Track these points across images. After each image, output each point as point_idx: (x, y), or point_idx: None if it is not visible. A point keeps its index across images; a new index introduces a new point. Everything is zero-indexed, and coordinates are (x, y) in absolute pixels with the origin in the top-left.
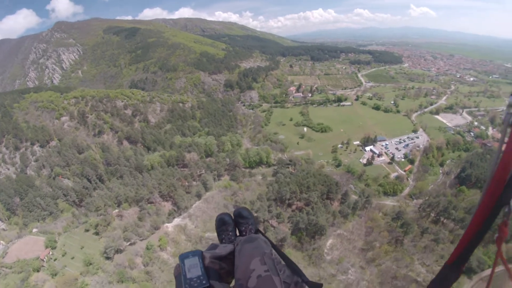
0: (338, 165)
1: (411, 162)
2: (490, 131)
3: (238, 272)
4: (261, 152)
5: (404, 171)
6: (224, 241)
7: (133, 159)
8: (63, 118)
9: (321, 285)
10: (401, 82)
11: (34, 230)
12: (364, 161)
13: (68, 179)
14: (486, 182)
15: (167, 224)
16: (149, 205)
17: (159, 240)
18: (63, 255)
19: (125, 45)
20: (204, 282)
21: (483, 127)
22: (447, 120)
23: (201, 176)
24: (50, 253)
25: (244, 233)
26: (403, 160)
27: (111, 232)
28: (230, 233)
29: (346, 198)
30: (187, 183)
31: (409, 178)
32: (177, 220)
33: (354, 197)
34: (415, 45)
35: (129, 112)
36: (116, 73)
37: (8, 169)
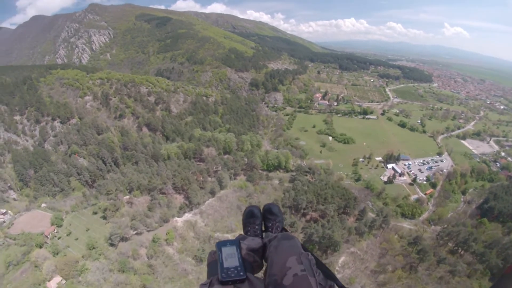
0: (358, 179)
1: (433, 186)
2: None
3: (273, 267)
4: (281, 156)
5: (425, 194)
6: (249, 233)
7: (151, 147)
8: (87, 98)
9: None
10: (429, 102)
11: (43, 205)
12: (385, 178)
13: (84, 158)
14: None
15: (176, 218)
16: (161, 195)
17: (166, 234)
18: (67, 235)
19: (155, 33)
20: (241, 273)
21: (510, 159)
22: (474, 146)
23: (217, 172)
24: (55, 230)
25: (270, 229)
26: (425, 182)
27: (119, 218)
28: (257, 227)
29: (363, 215)
30: (202, 178)
31: (429, 202)
32: (187, 216)
33: (371, 215)
34: (446, 65)
35: (152, 99)
36: (143, 60)
37: (27, 141)
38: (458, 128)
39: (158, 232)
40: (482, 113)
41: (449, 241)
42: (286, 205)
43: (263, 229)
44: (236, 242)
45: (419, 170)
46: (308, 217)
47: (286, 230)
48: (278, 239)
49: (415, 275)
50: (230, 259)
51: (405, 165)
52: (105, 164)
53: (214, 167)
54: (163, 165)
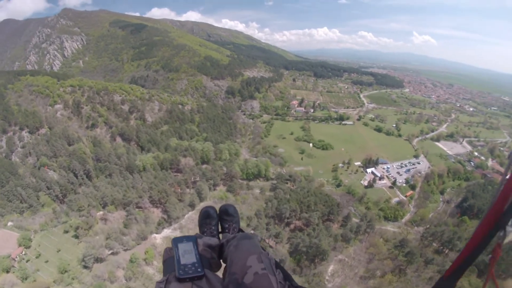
0: (339, 185)
1: (413, 187)
2: (490, 162)
3: (233, 266)
4: (260, 165)
5: (405, 196)
6: (205, 234)
7: (125, 158)
8: (57, 106)
9: None
10: (403, 106)
11: (9, 223)
12: (365, 183)
13: (54, 171)
14: (487, 207)
15: (155, 235)
16: (137, 210)
17: (145, 253)
18: (37, 257)
19: (130, 40)
20: (199, 269)
21: (483, 158)
22: (448, 148)
23: (196, 183)
24: (23, 252)
25: (227, 230)
26: (404, 185)
27: (93, 237)
28: (213, 228)
29: (347, 221)
30: (180, 190)
31: (410, 204)
32: (166, 232)
33: (355, 220)
34: (416, 71)
35: (126, 108)
36: (117, 68)
37: None
38: (432, 131)
39: (136, 251)
40: (453, 116)
41: (433, 241)
42: (269, 215)
43: (220, 230)
44: (193, 238)
45: (398, 173)
46: (292, 226)
47: (242, 231)
48: (238, 239)
49: (404, 278)
50: (187, 255)
51: (384, 168)
52: (77, 177)
53: (192, 178)
54: (138, 177)
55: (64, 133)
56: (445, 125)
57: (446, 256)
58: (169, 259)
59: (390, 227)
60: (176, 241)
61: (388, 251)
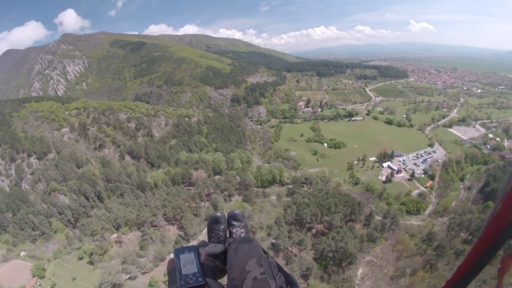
0: (356, 183)
1: (432, 178)
2: (506, 143)
3: (233, 271)
4: (274, 170)
5: (425, 187)
6: (213, 239)
7: (135, 176)
8: (63, 130)
9: None
10: (410, 96)
11: (22, 253)
12: (383, 178)
13: (65, 195)
14: (491, 212)
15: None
16: (152, 229)
17: (164, 275)
18: (52, 287)
19: (131, 58)
20: (200, 279)
21: (498, 139)
22: (461, 133)
23: (210, 196)
24: (38, 283)
25: (234, 235)
26: (423, 176)
27: (108, 262)
28: (221, 233)
29: (370, 220)
30: (195, 204)
31: (431, 195)
32: None
33: (377, 218)
34: (417, 59)
35: (132, 125)
36: (120, 87)
37: (3, 181)
38: (443, 117)
39: (154, 273)
40: (462, 100)
41: (460, 231)
42: (289, 221)
43: (228, 236)
44: (194, 249)
45: (415, 164)
46: (313, 230)
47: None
48: (237, 242)
49: (436, 273)
50: (188, 265)
51: (400, 161)
52: (88, 200)
53: (206, 190)
54: (150, 194)
55: (72, 156)
56: (455, 110)
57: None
58: (172, 271)
59: (414, 221)
60: (177, 252)
61: (415, 247)
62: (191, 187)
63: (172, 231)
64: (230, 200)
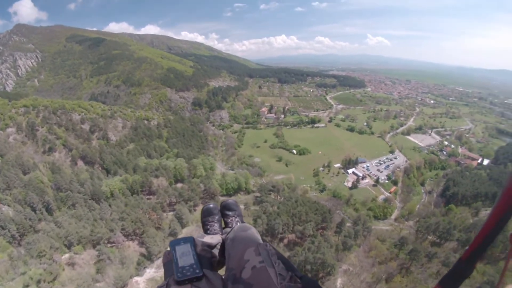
0: (323, 190)
1: (395, 183)
2: (460, 149)
3: (231, 261)
4: (240, 178)
5: (390, 192)
6: (209, 232)
7: (89, 184)
8: (9, 130)
9: (316, 281)
10: (370, 105)
11: None
12: (349, 184)
13: (8, 206)
14: (504, 186)
15: (137, 278)
16: (109, 246)
17: None
18: None
19: (88, 55)
20: (197, 271)
21: (453, 146)
22: (419, 140)
23: (173, 206)
24: None
25: (230, 225)
26: (387, 181)
27: None
28: (216, 225)
29: (341, 227)
30: (156, 216)
31: (396, 200)
32: (149, 272)
33: (347, 224)
34: (373, 71)
35: (86, 127)
36: (75, 85)
37: None
38: (401, 126)
39: None
40: (417, 109)
41: (428, 234)
42: (260, 232)
43: (223, 226)
44: (190, 240)
45: (378, 170)
46: (285, 241)
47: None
48: (235, 231)
49: (412, 276)
50: (185, 257)
51: (363, 167)
52: (35, 212)
53: (168, 200)
54: (106, 206)
55: (17, 161)
56: (412, 119)
57: (446, 247)
58: (168, 263)
59: (382, 226)
60: (173, 244)
61: (388, 251)
62: (150, 196)
63: (132, 248)
64: (195, 211)
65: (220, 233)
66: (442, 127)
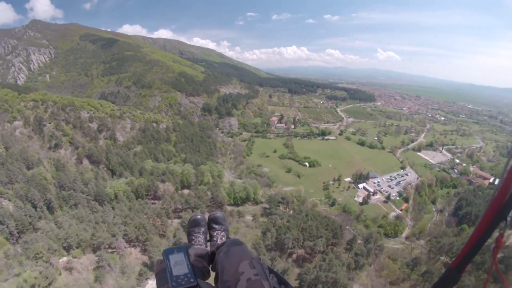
0: (332, 204)
1: (406, 200)
2: (471, 168)
3: (225, 274)
4: (248, 187)
5: (401, 210)
6: (193, 242)
7: (93, 185)
8: (16, 123)
9: None
10: (380, 119)
11: None
12: (360, 199)
13: (9, 200)
14: (490, 200)
15: None
16: (110, 252)
17: None
18: None
19: (101, 54)
20: (192, 280)
21: (464, 164)
22: (430, 157)
23: (178, 213)
24: None
25: (214, 238)
26: (398, 198)
27: None
28: (201, 236)
29: (352, 244)
30: (160, 223)
31: (407, 218)
32: (152, 284)
33: (358, 242)
34: (382, 85)
35: (94, 126)
36: (86, 83)
37: None
38: (412, 141)
39: None
40: (428, 126)
41: (440, 255)
42: (269, 247)
43: (208, 239)
44: (184, 249)
45: (389, 186)
46: (294, 256)
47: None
48: (228, 245)
49: None
50: (179, 266)
51: (374, 183)
52: (36, 209)
53: (173, 206)
54: (109, 208)
55: (22, 155)
56: (422, 135)
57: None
58: (161, 272)
59: (392, 244)
60: (167, 252)
61: (400, 271)
62: (156, 201)
63: (134, 255)
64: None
65: (204, 245)
66: (453, 145)
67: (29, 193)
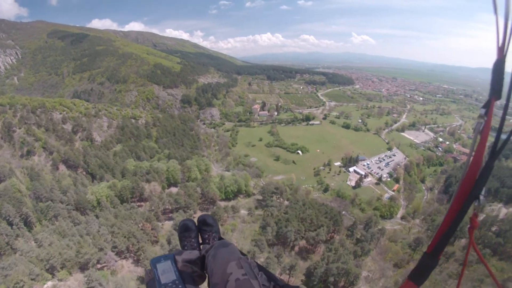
0: (326, 190)
1: (397, 181)
2: (455, 145)
3: (214, 276)
4: (239, 180)
5: (393, 191)
6: (186, 247)
7: (72, 192)
8: None
9: (298, 287)
10: (361, 102)
11: None
12: (352, 183)
13: None
14: (460, 180)
15: None
16: (99, 268)
17: None
18: None
19: (71, 51)
20: (180, 286)
21: (447, 142)
22: (413, 136)
23: (169, 215)
24: None
25: (207, 240)
26: (389, 179)
27: None
28: (193, 240)
29: (353, 231)
30: (151, 228)
31: (400, 198)
32: None
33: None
34: (358, 69)
35: (68, 127)
36: (57, 82)
37: None
38: (395, 122)
39: None
40: (408, 106)
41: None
42: (270, 241)
43: (201, 241)
44: (171, 256)
45: (379, 168)
46: (296, 248)
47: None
48: (215, 248)
49: (431, 278)
50: (167, 274)
51: (364, 165)
52: (12, 226)
53: (162, 207)
54: (93, 218)
55: None
56: (404, 116)
57: (458, 245)
58: (151, 282)
59: (390, 225)
60: (154, 261)
61: (402, 253)
62: (142, 203)
63: (127, 268)
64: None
65: (198, 248)
66: (434, 124)
67: (2, 209)
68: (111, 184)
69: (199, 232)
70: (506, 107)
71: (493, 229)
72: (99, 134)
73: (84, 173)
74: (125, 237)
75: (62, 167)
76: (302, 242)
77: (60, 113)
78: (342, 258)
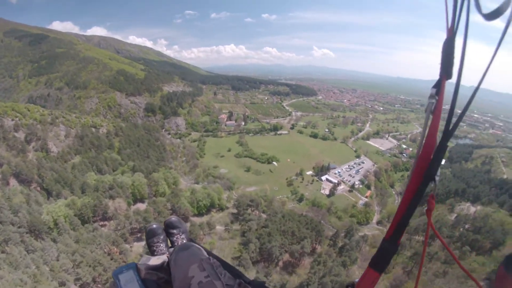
0: (300, 200)
1: (368, 187)
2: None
3: (176, 282)
4: (212, 193)
5: (366, 197)
6: (155, 253)
7: (25, 212)
8: None
9: (264, 282)
10: (326, 112)
11: None
12: (326, 192)
13: None
14: (414, 162)
15: None
16: None
17: None
18: None
19: (28, 52)
20: None
21: (411, 149)
22: (378, 144)
23: (137, 235)
24: None
25: (176, 243)
26: (361, 186)
27: None
28: (162, 245)
29: (336, 240)
30: (118, 251)
31: (374, 204)
32: None
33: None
34: (319, 81)
35: (21, 135)
36: (11, 86)
37: None
38: (360, 131)
39: None
40: (371, 116)
41: (417, 234)
42: (254, 259)
43: (170, 245)
44: (132, 265)
45: (350, 175)
46: (280, 263)
47: (192, 240)
48: (176, 252)
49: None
50: (130, 284)
51: (335, 173)
52: None
53: (129, 226)
54: (50, 243)
55: None
56: (368, 124)
57: (436, 245)
58: None
59: (367, 231)
60: (116, 273)
61: None
62: (106, 222)
63: None
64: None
65: (167, 252)
66: (396, 131)
67: None
68: (69, 201)
69: (168, 235)
70: (457, 85)
71: (466, 226)
72: (55, 144)
73: (39, 188)
74: (90, 266)
75: (13, 182)
76: (286, 256)
77: (12, 120)
78: (333, 270)
